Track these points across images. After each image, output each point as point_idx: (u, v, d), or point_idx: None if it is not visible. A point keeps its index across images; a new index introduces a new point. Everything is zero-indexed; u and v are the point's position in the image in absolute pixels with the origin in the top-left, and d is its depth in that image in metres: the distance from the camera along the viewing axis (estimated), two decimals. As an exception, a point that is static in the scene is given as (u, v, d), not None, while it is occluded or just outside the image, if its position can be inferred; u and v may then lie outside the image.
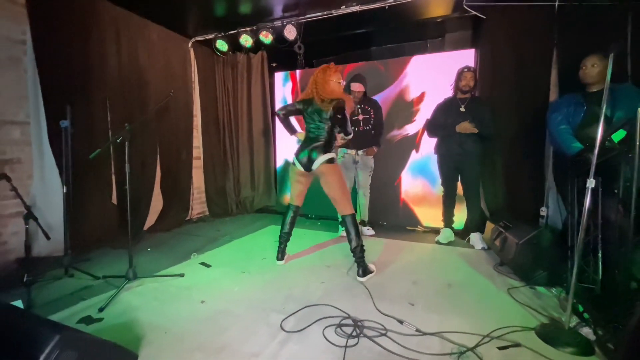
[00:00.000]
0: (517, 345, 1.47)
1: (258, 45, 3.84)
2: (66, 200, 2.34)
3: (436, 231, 3.33)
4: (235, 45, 3.96)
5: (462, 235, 3.22)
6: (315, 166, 2.34)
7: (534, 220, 2.86)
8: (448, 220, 3.21)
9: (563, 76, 2.77)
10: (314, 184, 2.54)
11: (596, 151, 1.47)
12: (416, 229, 3.65)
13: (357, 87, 3.13)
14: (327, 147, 2.36)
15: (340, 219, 3.48)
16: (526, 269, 2.17)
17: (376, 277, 2.27)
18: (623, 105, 1.95)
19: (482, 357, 1.37)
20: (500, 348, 1.45)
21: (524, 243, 2.15)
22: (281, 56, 4.29)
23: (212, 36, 3.96)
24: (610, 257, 1.78)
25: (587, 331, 1.54)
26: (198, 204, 4.34)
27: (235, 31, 3.79)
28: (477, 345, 1.45)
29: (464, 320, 1.68)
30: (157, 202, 3.69)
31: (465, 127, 2.85)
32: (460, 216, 3.24)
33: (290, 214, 2.58)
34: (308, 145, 2.38)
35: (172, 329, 1.61)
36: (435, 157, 3.22)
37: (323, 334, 1.56)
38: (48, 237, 2.16)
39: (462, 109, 2.92)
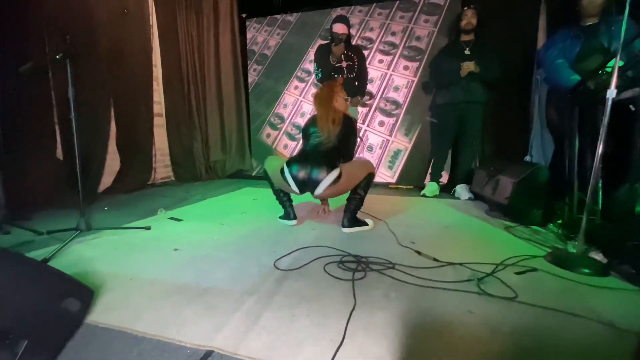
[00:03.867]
0: (533, 269, 1.37)
1: (227, -16, 3.40)
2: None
3: (421, 187, 3.24)
4: (199, -15, 3.48)
5: (448, 188, 3.16)
6: (319, 191, 1.80)
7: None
8: (436, 174, 3.12)
9: (552, 20, 2.70)
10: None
11: (616, 71, 1.35)
12: (399, 186, 3.55)
13: (340, 28, 2.85)
14: (333, 160, 1.82)
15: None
16: (521, 208, 2.10)
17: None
18: (620, 36, 1.90)
19: (503, 281, 1.25)
20: (517, 273, 1.34)
21: (521, 181, 2.08)
22: (252, 3, 3.87)
23: (172, -29, 3.44)
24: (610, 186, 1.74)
25: (597, 255, 1.48)
26: (162, 168, 3.89)
27: (200, -35, 3.32)
28: (494, 271, 1.33)
29: (471, 253, 1.56)
30: (113, 162, 3.23)
31: (468, 66, 2.65)
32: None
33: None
34: (306, 157, 1.86)
35: (140, 275, 1.32)
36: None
37: (325, 269, 1.35)
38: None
39: (467, 52, 2.73)
